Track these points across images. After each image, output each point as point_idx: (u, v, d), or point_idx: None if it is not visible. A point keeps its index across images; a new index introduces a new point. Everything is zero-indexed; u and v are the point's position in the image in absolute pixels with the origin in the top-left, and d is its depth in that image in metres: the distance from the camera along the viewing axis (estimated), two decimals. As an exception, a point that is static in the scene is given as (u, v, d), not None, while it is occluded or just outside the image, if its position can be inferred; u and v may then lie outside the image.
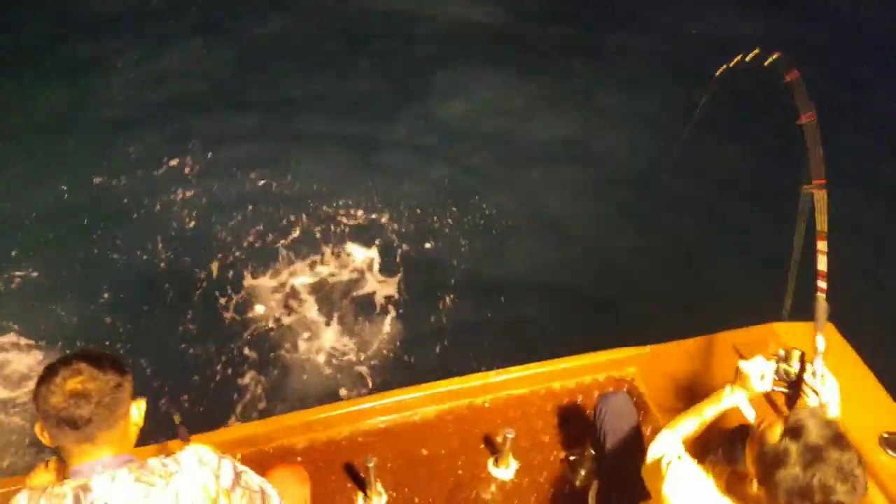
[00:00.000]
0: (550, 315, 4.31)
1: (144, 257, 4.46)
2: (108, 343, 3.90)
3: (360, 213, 4.91)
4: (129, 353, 3.83)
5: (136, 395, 1.58)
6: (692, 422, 2.00)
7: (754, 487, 1.61)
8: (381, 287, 4.43)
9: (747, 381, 1.95)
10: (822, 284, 2.04)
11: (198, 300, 4.24)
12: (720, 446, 2.31)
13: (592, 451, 2.63)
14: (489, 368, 3.03)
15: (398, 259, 4.61)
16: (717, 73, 2.43)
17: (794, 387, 2.04)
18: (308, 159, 5.22)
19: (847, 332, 2.91)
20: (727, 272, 4.57)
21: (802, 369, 2.02)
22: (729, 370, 2.14)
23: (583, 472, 2.70)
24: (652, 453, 1.95)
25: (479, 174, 5.28)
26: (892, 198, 5.27)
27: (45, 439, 1.50)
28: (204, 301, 4.24)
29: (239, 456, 2.66)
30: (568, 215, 5.06)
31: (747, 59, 2.29)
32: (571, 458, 2.77)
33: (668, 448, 1.92)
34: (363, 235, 4.75)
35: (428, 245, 4.74)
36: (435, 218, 4.91)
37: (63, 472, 1.61)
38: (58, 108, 5.47)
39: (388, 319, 4.23)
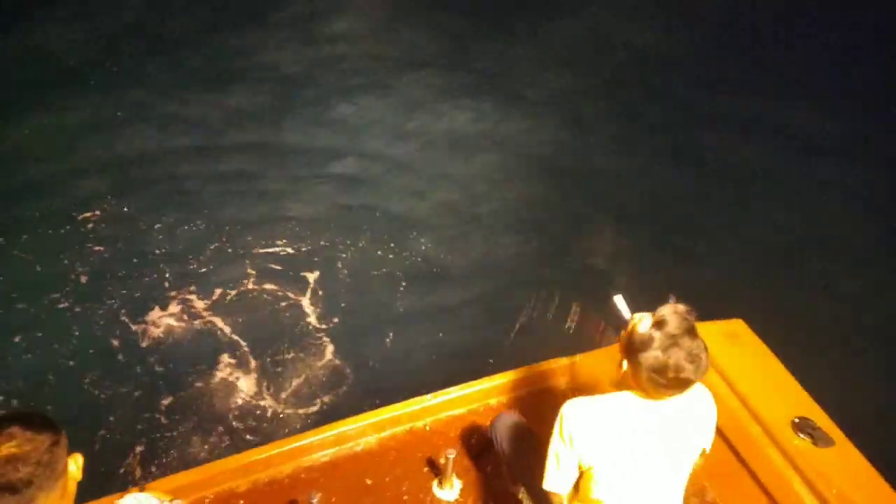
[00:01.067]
0: (482, 333, 4.40)
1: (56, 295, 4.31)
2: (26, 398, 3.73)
3: (281, 239, 4.91)
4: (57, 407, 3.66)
5: (70, 450, 1.54)
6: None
7: (624, 369, 1.99)
8: (311, 319, 4.41)
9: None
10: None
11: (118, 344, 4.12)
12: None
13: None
14: (427, 391, 3.07)
15: (326, 287, 4.61)
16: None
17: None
18: (218, 183, 5.17)
19: (758, 328, 3.14)
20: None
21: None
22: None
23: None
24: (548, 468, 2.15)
25: (398, 174, 5.40)
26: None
27: None
28: (127, 344, 4.11)
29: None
30: (495, 221, 5.22)
31: None
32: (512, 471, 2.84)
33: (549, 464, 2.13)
34: (285, 264, 4.74)
35: (352, 268, 4.77)
36: (355, 236, 4.97)
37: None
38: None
39: (321, 350, 4.21)
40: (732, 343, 3.04)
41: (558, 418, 2.08)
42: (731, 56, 7.26)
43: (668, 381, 1.89)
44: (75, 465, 1.55)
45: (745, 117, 6.56)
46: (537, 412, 2.77)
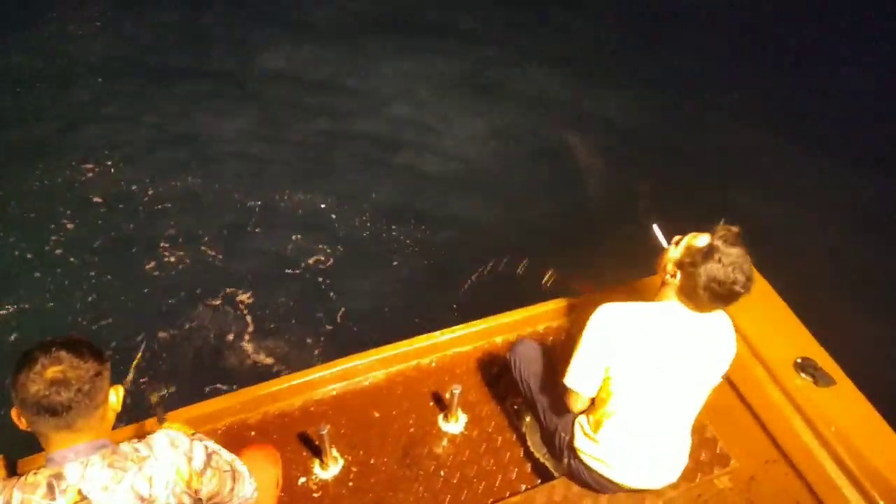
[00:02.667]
0: (490, 273, 4.42)
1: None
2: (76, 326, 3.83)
3: (298, 196, 4.90)
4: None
5: (112, 381, 1.59)
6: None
7: (669, 279, 2.12)
8: (323, 258, 4.44)
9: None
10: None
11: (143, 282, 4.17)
12: None
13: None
14: (434, 329, 3.11)
15: (337, 230, 4.62)
16: None
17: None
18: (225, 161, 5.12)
19: (764, 270, 3.14)
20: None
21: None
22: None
23: (528, 418, 2.84)
24: (570, 381, 2.27)
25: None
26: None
27: (21, 424, 1.50)
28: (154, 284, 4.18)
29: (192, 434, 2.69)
30: (495, 177, 5.17)
31: None
32: (515, 406, 2.91)
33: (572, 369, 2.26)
34: (292, 207, 4.76)
35: (364, 216, 4.76)
36: (367, 189, 4.95)
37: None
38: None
39: (332, 289, 4.26)
40: (739, 284, 3.04)
41: (593, 318, 2.20)
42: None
43: (723, 292, 2.00)
44: (115, 397, 1.59)
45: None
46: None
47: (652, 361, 2.13)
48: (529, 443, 2.80)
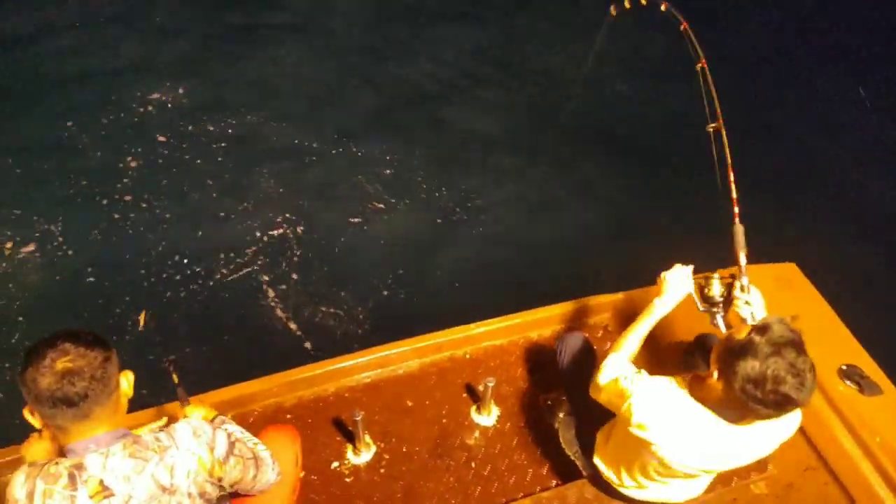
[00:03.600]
0: (526, 270, 4.40)
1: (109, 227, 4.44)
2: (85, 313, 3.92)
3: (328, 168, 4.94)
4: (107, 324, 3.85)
5: (121, 367, 1.60)
6: (633, 339, 2.18)
7: (714, 379, 1.80)
8: (360, 247, 4.47)
9: (669, 287, 2.16)
10: (736, 210, 2.23)
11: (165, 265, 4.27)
12: (679, 358, 2.44)
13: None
14: (469, 321, 3.11)
15: (374, 217, 4.65)
16: (607, 18, 2.58)
17: (726, 303, 2.20)
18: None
19: (812, 273, 3.06)
20: (668, 219, 4.69)
21: (731, 286, 2.18)
22: (692, 311, 2.26)
23: (561, 414, 2.82)
24: (605, 375, 2.09)
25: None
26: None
27: (36, 422, 1.51)
28: (177, 267, 4.26)
29: (230, 415, 2.74)
30: (542, 171, 5.13)
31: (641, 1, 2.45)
32: (549, 401, 2.89)
33: (621, 368, 2.08)
34: (332, 190, 4.78)
35: (398, 209, 4.78)
36: (398, 184, 4.95)
37: (57, 442, 1.63)
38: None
39: (368, 276, 4.29)
40: (783, 287, 2.98)
41: (632, 391, 1.95)
42: None
43: (764, 396, 1.66)
44: (126, 381, 1.60)
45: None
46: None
47: (681, 455, 1.91)
48: (561, 439, 2.79)
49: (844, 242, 4.68)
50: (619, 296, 3.22)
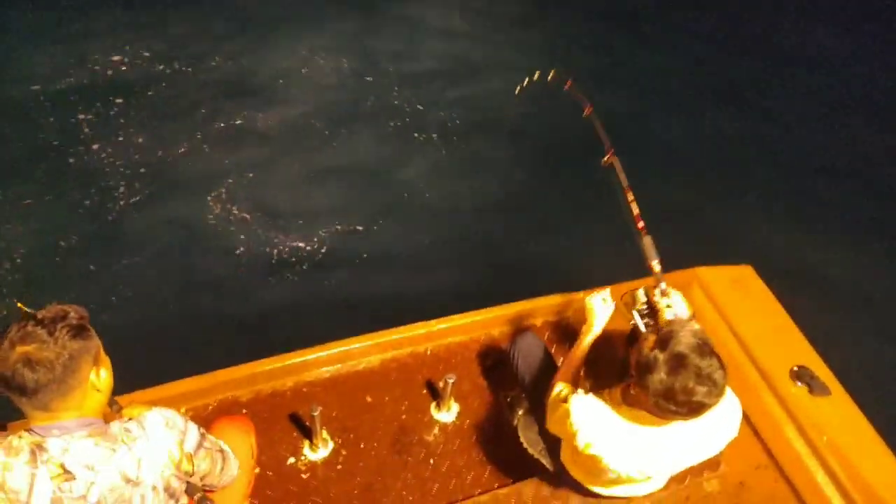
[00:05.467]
0: (490, 265, 4.41)
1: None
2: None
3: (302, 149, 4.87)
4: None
5: (100, 359, 1.52)
6: (570, 365, 2.27)
7: (635, 388, 1.83)
8: (327, 240, 4.42)
9: (592, 313, 2.24)
10: (640, 224, 2.35)
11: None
12: (612, 372, 2.50)
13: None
14: (430, 317, 3.09)
15: (336, 215, 4.61)
16: (517, 91, 2.83)
17: (652, 313, 2.27)
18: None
19: (767, 276, 3.13)
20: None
21: (651, 295, 2.28)
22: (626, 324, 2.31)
23: (520, 411, 2.83)
24: (551, 402, 2.17)
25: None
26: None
27: None
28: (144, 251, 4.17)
29: (183, 410, 2.68)
30: (501, 170, 5.15)
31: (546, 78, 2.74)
32: (509, 398, 2.90)
33: (562, 391, 2.15)
34: (306, 196, 4.72)
35: (370, 199, 4.75)
36: (374, 172, 4.93)
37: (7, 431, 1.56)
38: None
39: (329, 271, 4.24)
40: (739, 288, 3.04)
41: (566, 412, 1.99)
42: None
43: (678, 407, 1.70)
44: (97, 378, 1.50)
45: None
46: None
47: (626, 465, 1.96)
48: (522, 437, 2.79)
49: (800, 244, 4.80)
50: (579, 294, 3.24)
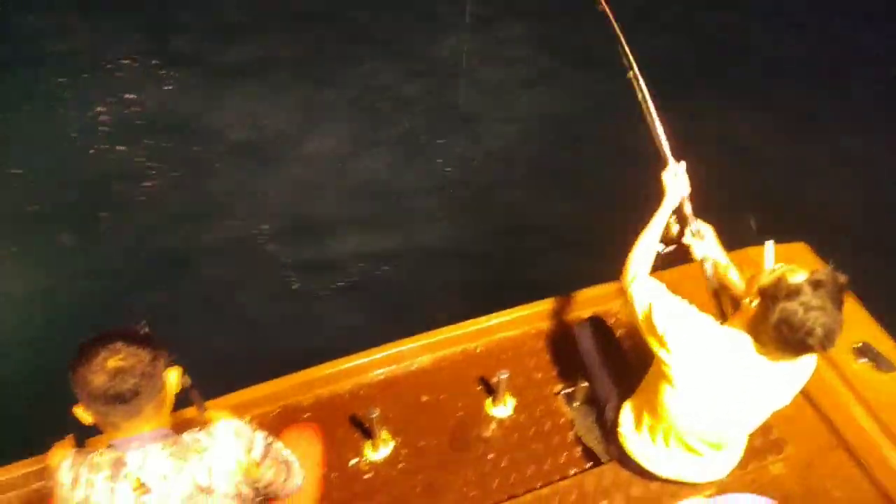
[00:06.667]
0: (538, 259, 4.40)
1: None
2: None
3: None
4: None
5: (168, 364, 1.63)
6: (643, 251, 2.22)
7: (747, 302, 1.88)
8: (372, 244, 4.49)
9: (669, 187, 2.25)
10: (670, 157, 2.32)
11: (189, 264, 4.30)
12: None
13: (584, 383, 2.76)
14: (481, 314, 3.12)
15: (383, 218, 4.66)
16: None
17: (678, 240, 2.33)
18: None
19: (823, 252, 3.04)
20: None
21: (683, 227, 2.31)
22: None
23: (576, 403, 2.83)
24: (639, 306, 2.11)
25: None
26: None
27: (86, 419, 1.54)
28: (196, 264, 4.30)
29: (248, 418, 2.77)
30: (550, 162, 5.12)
31: None
32: (565, 390, 2.91)
33: (647, 289, 2.11)
34: (350, 194, 4.79)
35: (408, 203, 4.79)
36: (402, 181, 4.95)
37: (87, 448, 1.66)
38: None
39: (377, 274, 4.30)
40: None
41: (659, 310, 2.00)
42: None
43: (791, 340, 1.77)
44: (174, 378, 1.63)
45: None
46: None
47: (712, 390, 1.97)
48: (577, 427, 2.80)
49: (856, 220, 4.65)
50: None
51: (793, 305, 1.74)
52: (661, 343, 1.99)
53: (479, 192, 4.84)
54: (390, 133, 5.26)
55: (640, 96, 2.33)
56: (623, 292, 2.21)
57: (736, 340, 1.92)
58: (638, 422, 2.31)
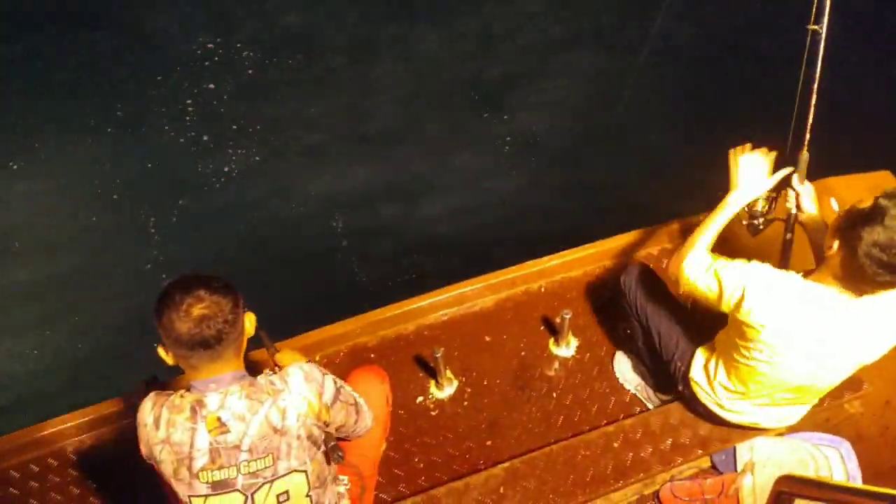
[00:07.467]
0: (597, 197, 4.32)
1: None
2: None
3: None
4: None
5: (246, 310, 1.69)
6: (709, 232, 2.12)
7: (832, 251, 1.77)
8: (428, 194, 4.49)
9: (745, 179, 2.12)
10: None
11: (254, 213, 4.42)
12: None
13: (646, 322, 2.70)
14: (542, 255, 3.10)
15: (442, 165, 4.64)
16: None
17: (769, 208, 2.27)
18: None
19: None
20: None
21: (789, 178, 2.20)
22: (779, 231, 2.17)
23: (640, 343, 2.80)
24: (691, 274, 2.04)
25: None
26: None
27: (169, 359, 1.61)
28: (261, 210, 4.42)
29: (318, 357, 2.87)
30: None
31: None
32: (628, 330, 2.87)
33: (705, 261, 2.04)
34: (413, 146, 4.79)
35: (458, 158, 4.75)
36: (467, 130, 4.88)
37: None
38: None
39: (439, 216, 4.32)
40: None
41: (739, 272, 1.92)
42: None
43: (890, 259, 1.65)
44: (249, 323, 1.69)
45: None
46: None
47: (807, 349, 1.88)
48: (617, 374, 2.78)
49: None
50: (692, 219, 3.12)
51: (878, 227, 1.64)
52: (751, 324, 1.89)
53: (539, 140, 4.73)
54: (447, 102, 5.14)
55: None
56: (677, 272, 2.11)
57: (826, 292, 1.83)
58: (714, 373, 2.22)
